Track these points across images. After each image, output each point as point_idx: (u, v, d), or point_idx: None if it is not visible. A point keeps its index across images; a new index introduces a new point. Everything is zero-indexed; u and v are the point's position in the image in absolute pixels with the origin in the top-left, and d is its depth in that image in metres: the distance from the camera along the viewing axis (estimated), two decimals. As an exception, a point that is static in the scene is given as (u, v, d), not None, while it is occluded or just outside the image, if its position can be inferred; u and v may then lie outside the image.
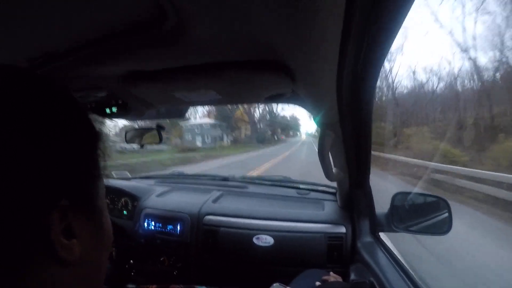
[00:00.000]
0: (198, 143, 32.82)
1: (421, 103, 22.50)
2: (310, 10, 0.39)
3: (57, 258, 0.26)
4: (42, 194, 0.25)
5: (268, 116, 51.82)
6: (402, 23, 0.44)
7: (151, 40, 0.53)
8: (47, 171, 0.25)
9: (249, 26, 0.47)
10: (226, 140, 38.66)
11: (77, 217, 0.28)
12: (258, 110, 47.01)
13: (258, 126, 48.65)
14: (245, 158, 17.87)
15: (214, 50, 0.58)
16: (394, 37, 0.47)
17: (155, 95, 0.88)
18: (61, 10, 0.44)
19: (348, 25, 0.43)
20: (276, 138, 56.56)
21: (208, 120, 37.33)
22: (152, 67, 0.68)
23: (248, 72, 0.66)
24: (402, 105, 22.14)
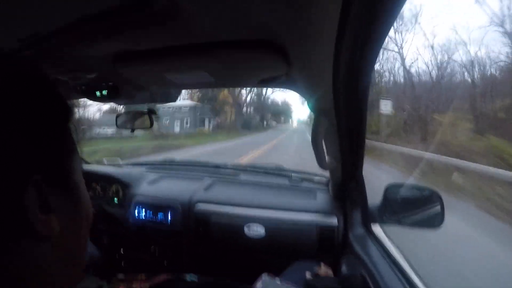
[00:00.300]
0: (176, 128, 28.79)
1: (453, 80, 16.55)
2: None
3: (35, 233, 0.26)
4: (13, 170, 0.25)
5: (256, 99, 48.25)
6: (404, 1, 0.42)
7: (143, 19, 0.51)
8: (16, 146, 0.25)
9: (245, 4, 0.46)
10: (208, 125, 33.41)
11: (53, 191, 0.28)
12: (245, 92, 41.98)
13: (245, 110, 44.43)
14: (219, 148, 14.48)
15: (208, 30, 0.57)
16: (396, 16, 0.45)
17: (146, 77, 0.86)
18: None
19: (347, 4, 0.42)
20: (265, 124, 53.01)
21: (187, 102, 31.40)
22: (144, 46, 0.67)
23: (242, 52, 0.65)
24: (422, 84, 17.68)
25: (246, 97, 44.14)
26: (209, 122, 34.33)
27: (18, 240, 0.25)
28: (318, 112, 0.88)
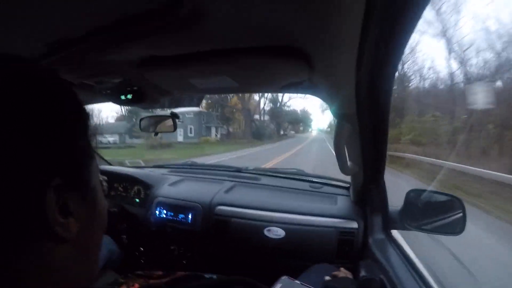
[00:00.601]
0: (179, 137, 26.02)
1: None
2: None
3: (54, 235, 0.27)
4: (34, 174, 0.26)
5: (271, 105, 44.40)
6: (426, 6, 0.42)
7: (167, 26, 0.53)
8: (38, 150, 0.26)
9: (267, 11, 0.47)
10: (215, 134, 30.55)
11: (72, 195, 0.29)
12: (258, 97, 39.55)
13: (259, 118, 40.85)
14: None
15: (230, 36, 0.58)
16: (418, 19, 0.45)
17: (170, 81, 0.88)
18: None
19: (370, 9, 0.42)
20: (282, 132, 49.46)
21: (192, 109, 24.08)
22: (168, 52, 0.69)
23: (265, 58, 0.66)
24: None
25: (259, 102, 40.81)
26: (216, 130, 31.86)
27: (38, 242, 0.26)
28: (340, 117, 0.88)
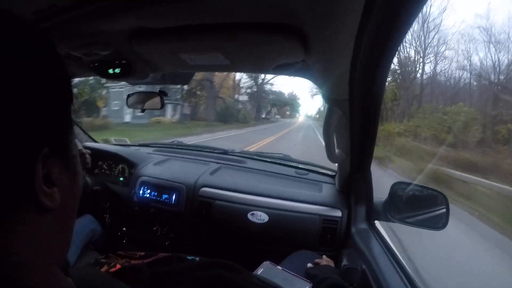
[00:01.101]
0: (126, 116, 19.81)
1: None
2: None
3: (40, 206, 0.26)
4: (25, 143, 0.25)
5: (252, 82, 33.78)
6: None
7: None
8: (28, 119, 0.25)
9: None
10: (173, 114, 24.00)
11: (56, 165, 0.28)
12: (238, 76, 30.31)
13: (237, 97, 32.77)
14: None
15: (226, 9, 0.56)
16: (418, 13, 0.44)
17: (160, 56, 0.86)
18: None
19: None
20: (264, 116, 43.00)
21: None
22: (159, 24, 0.66)
23: (259, 35, 0.64)
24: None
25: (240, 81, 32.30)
26: (174, 109, 25.20)
27: (23, 212, 0.25)
28: (331, 102, 0.87)
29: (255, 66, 0.90)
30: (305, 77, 0.89)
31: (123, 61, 0.94)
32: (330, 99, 0.87)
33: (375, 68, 0.64)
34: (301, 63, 0.77)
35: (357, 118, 0.85)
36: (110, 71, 0.97)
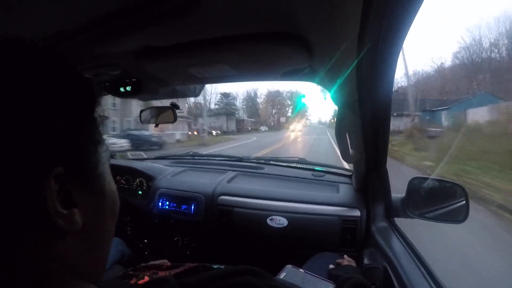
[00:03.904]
0: None
1: None
2: None
3: (56, 228, 0.25)
4: (33, 162, 0.24)
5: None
6: None
7: (163, 14, 0.53)
8: (37, 137, 0.24)
9: None
10: None
11: (77, 184, 0.28)
12: None
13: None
14: None
15: (229, 22, 0.58)
16: (417, 10, 0.44)
17: (168, 71, 0.88)
18: None
19: None
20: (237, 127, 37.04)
21: None
22: (166, 42, 0.68)
23: (264, 44, 0.65)
24: None
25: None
26: None
27: (39, 234, 0.25)
28: (342, 105, 0.88)
29: (262, 75, 0.91)
30: (313, 82, 0.90)
31: (133, 79, 0.96)
32: (340, 102, 0.87)
33: (381, 68, 0.64)
34: (308, 68, 0.78)
35: (368, 118, 0.85)
36: (122, 89, 1.00)
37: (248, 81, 0.96)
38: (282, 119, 54.87)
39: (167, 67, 0.82)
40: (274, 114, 55.50)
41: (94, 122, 0.31)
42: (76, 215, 0.27)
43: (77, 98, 0.30)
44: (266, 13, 0.53)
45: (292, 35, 0.61)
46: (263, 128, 45.50)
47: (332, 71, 0.75)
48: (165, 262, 0.54)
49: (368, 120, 0.86)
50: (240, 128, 41.98)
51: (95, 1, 0.50)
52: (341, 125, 0.91)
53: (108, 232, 0.33)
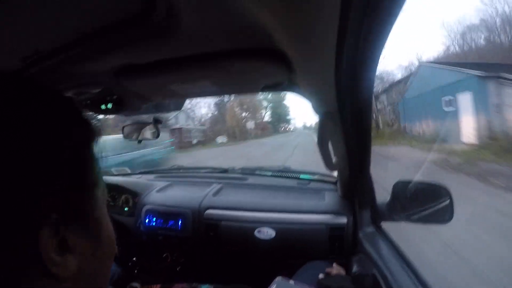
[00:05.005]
0: None
1: None
2: None
3: (50, 275, 0.25)
4: (28, 211, 0.24)
5: None
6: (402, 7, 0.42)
7: (143, 33, 0.52)
8: (30, 185, 0.24)
9: (244, 14, 0.46)
10: None
11: (72, 230, 0.27)
12: None
13: None
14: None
15: (208, 40, 0.57)
16: (397, 15, 0.45)
17: (149, 89, 0.87)
18: (50, 8, 0.43)
19: (347, 5, 0.42)
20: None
21: None
22: (146, 59, 0.67)
23: (243, 61, 0.65)
24: None
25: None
26: None
27: (33, 280, 0.24)
28: (322, 115, 0.88)
29: (243, 89, 0.91)
30: (293, 92, 0.90)
31: (114, 97, 0.95)
32: (321, 112, 0.88)
33: (359, 79, 0.65)
34: (289, 81, 0.79)
35: (349, 126, 0.85)
36: (103, 107, 0.98)
37: (229, 94, 0.96)
38: (250, 124, 39.49)
39: (148, 84, 0.82)
40: (244, 119, 42.04)
41: (90, 163, 0.31)
42: (71, 261, 0.27)
43: (73, 139, 0.29)
44: (245, 30, 0.53)
45: (271, 52, 0.61)
46: (220, 139, 32.17)
47: (311, 84, 0.76)
48: (156, 286, 0.53)
49: (349, 128, 0.87)
50: (177, 142, 22.52)
51: (72, 22, 0.49)
52: (323, 134, 0.92)
53: (104, 276, 0.33)
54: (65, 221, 0.26)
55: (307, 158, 10.33)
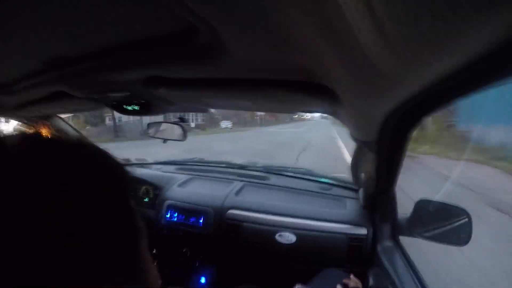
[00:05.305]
0: None
1: None
2: None
3: None
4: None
5: None
6: None
7: (180, 52, 0.51)
8: (79, 263, 0.23)
9: (293, 50, 0.44)
10: None
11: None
12: None
13: None
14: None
15: (250, 69, 0.56)
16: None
17: (180, 98, 0.86)
18: (85, 17, 0.43)
19: None
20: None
21: None
22: (180, 75, 0.66)
23: (286, 90, 0.63)
24: None
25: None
26: None
27: None
28: (360, 143, 0.88)
29: (281, 110, 0.90)
30: (333, 116, 0.89)
31: (141, 101, 0.95)
32: (359, 140, 0.87)
33: (405, 117, 0.63)
34: (331, 111, 0.77)
35: (384, 155, 0.85)
36: (129, 108, 0.98)
37: (265, 112, 0.95)
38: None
39: (179, 94, 0.80)
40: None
41: (128, 212, 0.30)
42: None
43: (111, 197, 0.28)
44: (290, 64, 0.51)
45: (318, 86, 0.59)
46: (224, 124, 27.78)
47: (356, 116, 0.74)
48: None
49: (384, 157, 0.86)
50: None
51: (102, 33, 0.49)
52: (357, 160, 0.92)
53: None
54: (117, 285, 0.25)
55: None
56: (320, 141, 14.73)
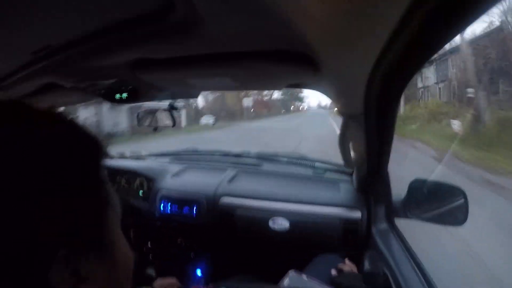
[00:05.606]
0: None
1: None
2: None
3: None
4: (34, 249, 0.23)
5: None
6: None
7: (161, 30, 0.50)
8: (36, 221, 0.23)
9: (272, 18, 0.43)
10: None
11: (84, 259, 0.26)
12: None
13: None
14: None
15: (230, 41, 0.55)
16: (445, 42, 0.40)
17: (166, 81, 0.86)
18: (68, 2, 0.42)
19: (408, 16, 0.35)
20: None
21: None
22: (164, 55, 0.66)
23: (268, 62, 0.63)
24: None
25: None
26: None
27: None
28: (346, 116, 0.86)
29: (264, 86, 0.90)
30: (318, 91, 0.88)
31: (129, 87, 0.94)
32: (345, 113, 0.86)
33: (391, 86, 0.62)
34: (314, 80, 0.76)
35: (373, 128, 0.84)
36: (117, 96, 0.97)
37: (249, 90, 0.95)
38: (247, 102, 32.00)
39: (164, 77, 0.80)
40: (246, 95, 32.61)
41: (98, 181, 0.29)
42: None
43: (80, 161, 0.28)
44: (273, 32, 0.50)
45: (299, 54, 0.58)
46: (205, 120, 24.42)
47: (340, 87, 0.73)
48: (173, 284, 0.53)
49: (372, 130, 0.85)
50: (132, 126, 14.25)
51: (86, 16, 0.48)
52: (345, 135, 0.91)
53: None
54: (76, 253, 0.25)
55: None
56: (317, 133, 13.84)
